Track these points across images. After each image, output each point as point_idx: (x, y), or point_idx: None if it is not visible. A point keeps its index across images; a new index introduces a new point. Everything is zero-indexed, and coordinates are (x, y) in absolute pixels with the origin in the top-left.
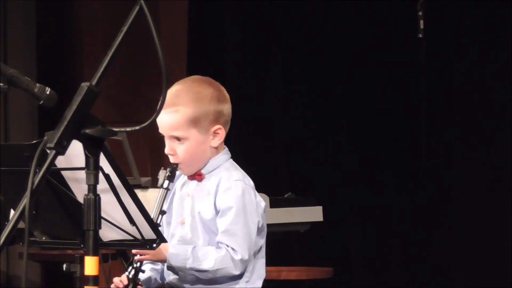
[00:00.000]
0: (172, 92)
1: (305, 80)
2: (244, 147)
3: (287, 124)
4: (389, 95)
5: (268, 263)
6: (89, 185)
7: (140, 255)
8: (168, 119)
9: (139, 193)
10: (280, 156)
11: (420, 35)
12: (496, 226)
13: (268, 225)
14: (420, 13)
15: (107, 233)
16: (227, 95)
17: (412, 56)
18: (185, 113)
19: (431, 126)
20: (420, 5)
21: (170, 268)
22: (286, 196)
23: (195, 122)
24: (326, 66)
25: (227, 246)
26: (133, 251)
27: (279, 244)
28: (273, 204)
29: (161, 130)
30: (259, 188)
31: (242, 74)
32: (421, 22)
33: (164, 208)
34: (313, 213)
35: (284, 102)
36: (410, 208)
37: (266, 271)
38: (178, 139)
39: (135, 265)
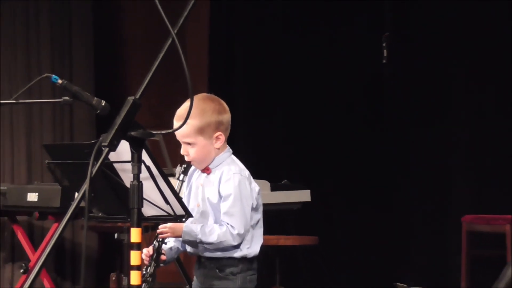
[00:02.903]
0: (183, 107)
1: (298, 94)
2: (252, 145)
3: (285, 127)
4: (360, 106)
5: (269, 232)
6: (134, 174)
7: (162, 234)
8: (181, 129)
9: (172, 180)
10: (279, 152)
11: (384, 61)
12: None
13: (269, 204)
14: (384, 44)
15: (148, 210)
16: (227, 108)
17: (377, 76)
18: (193, 124)
19: (393, 131)
20: (384, 38)
21: (185, 241)
22: (282, 182)
23: (201, 131)
24: (312, 84)
25: (228, 224)
26: (158, 230)
27: (278, 219)
28: (273, 188)
29: (177, 138)
30: (263, 176)
31: (250, 85)
32: (385, 51)
33: (181, 194)
34: (303, 195)
35: (284, 111)
36: (378, 191)
37: (268, 239)
38: (189, 144)
39: (159, 240)
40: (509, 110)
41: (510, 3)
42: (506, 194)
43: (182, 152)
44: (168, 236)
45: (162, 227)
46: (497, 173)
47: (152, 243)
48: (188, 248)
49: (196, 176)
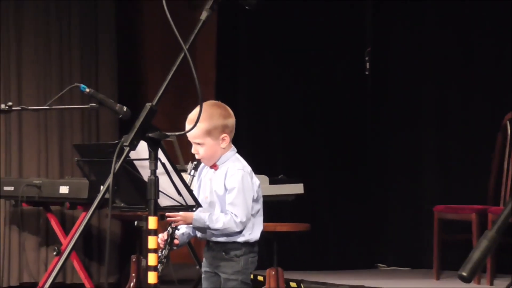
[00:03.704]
0: (194, 113)
1: (293, 102)
2: (253, 145)
3: (282, 130)
4: (346, 112)
5: (268, 220)
6: (151, 170)
7: (175, 222)
8: (192, 131)
9: (184, 175)
10: (276, 152)
11: (367, 72)
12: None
13: (267, 196)
14: (367, 58)
15: (163, 201)
16: (231, 113)
17: (361, 85)
18: (202, 127)
19: (374, 134)
20: (366, 53)
21: (195, 228)
22: (279, 177)
23: (208, 133)
24: (303, 92)
25: (232, 213)
26: (168, 218)
27: (275, 208)
28: (271, 182)
29: (188, 138)
30: (262, 171)
31: (252, 94)
32: (367, 64)
33: (192, 187)
34: (297, 188)
35: (281, 116)
36: (361, 185)
37: (266, 226)
38: (199, 144)
39: (172, 226)
40: (471, 117)
41: (476, 23)
42: (471, 187)
43: (193, 151)
44: (181, 223)
45: (172, 215)
46: (463, 169)
47: (167, 229)
48: (198, 234)
49: (205, 171)
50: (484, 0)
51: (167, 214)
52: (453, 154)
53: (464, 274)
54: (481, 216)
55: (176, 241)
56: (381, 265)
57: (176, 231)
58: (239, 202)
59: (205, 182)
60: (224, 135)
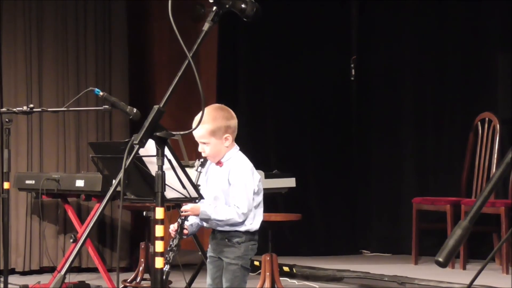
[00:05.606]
0: (199, 115)
1: (286, 106)
2: (251, 144)
3: (276, 131)
4: (333, 113)
5: (263, 210)
6: (158, 165)
7: (185, 212)
8: (198, 132)
9: (191, 171)
10: (271, 149)
11: (352, 78)
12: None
13: (263, 189)
14: (352, 65)
15: (169, 193)
16: (234, 115)
17: (347, 90)
18: (207, 128)
19: (358, 133)
20: (352, 60)
21: (202, 219)
22: (274, 172)
23: (213, 133)
24: (295, 98)
25: (235, 205)
26: (182, 209)
27: (270, 200)
28: (267, 176)
29: (195, 138)
30: (259, 167)
31: (250, 98)
32: (352, 70)
33: (199, 182)
34: (289, 182)
35: (274, 118)
36: (347, 178)
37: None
38: (204, 143)
39: (182, 217)
40: (446, 119)
41: (450, 35)
42: (446, 182)
43: (199, 149)
44: (190, 215)
45: (184, 208)
46: (439, 165)
47: (177, 220)
48: (205, 224)
49: (211, 168)
50: (456, 14)
51: (181, 209)
52: (430, 151)
53: (440, 259)
54: (455, 207)
55: (185, 231)
56: (365, 251)
57: (186, 222)
58: (241, 195)
59: (211, 178)
60: (227, 135)
